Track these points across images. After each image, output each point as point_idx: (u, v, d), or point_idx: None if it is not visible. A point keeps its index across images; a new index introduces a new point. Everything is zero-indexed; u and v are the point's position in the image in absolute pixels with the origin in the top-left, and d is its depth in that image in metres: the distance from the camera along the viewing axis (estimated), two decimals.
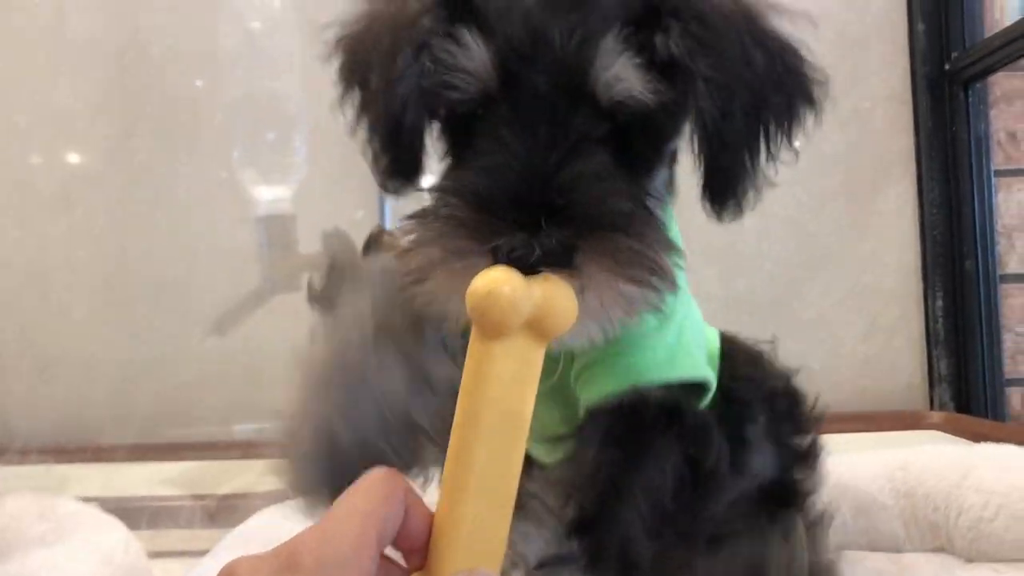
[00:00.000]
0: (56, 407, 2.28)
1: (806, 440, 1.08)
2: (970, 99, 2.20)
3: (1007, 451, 1.29)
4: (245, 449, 1.93)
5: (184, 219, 2.28)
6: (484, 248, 0.66)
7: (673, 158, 0.88)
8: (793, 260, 2.31)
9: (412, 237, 0.71)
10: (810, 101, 0.85)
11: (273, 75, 1.92)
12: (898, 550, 1.30)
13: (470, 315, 0.65)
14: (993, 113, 2.24)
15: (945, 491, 1.25)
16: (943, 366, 2.23)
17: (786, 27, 0.84)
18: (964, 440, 1.73)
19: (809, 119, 0.86)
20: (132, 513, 1.33)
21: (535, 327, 0.65)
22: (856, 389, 2.31)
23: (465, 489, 0.62)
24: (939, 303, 2.24)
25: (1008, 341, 2.23)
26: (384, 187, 0.86)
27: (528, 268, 0.64)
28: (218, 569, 0.59)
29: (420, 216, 0.72)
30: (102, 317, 2.29)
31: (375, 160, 0.85)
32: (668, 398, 0.83)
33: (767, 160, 0.84)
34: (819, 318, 2.31)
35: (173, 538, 1.44)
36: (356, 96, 0.86)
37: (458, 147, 0.79)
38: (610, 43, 0.73)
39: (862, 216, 2.32)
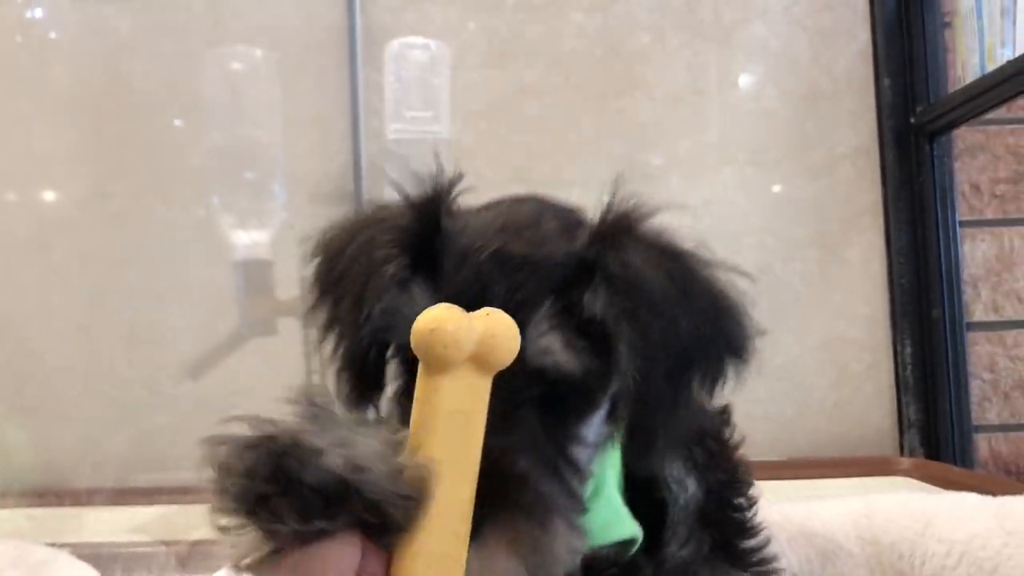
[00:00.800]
0: (29, 451, 2.27)
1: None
2: (935, 151, 2.26)
3: (967, 500, 1.31)
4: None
5: (160, 263, 2.30)
6: None
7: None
8: (763, 306, 2.33)
9: None
10: (738, 357, 0.87)
11: (254, 123, 1.95)
12: None
13: (416, 352, 0.68)
14: (957, 166, 2.30)
15: (910, 539, 1.27)
16: (912, 412, 2.26)
17: (721, 281, 0.88)
18: (933, 486, 1.76)
19: (737, 370, 0.87)
20: (105, 560, 1.33)
21: (479, 361, 0.69)
22: (827, 435, 2.34)
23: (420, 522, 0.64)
24: (908, 350, 2.28)
25: (975, 388, 2.27)
26: (346, 408, 0.87)
27: None
28: None
29: None
30: (76, 361, 2.29)
31: (340, 389, 0.88)
32: (612, 552, 0.87)
33: (687, 413, 0.85)
34: (790, 364, 2.34)
35: None
36: (326, 308, 0.89)
37: (407, 381, 0.84)
38: (543, 314, 0.78)
39: (831, 264, 2.36)
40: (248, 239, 1.94)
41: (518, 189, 2.39)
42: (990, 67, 2.05)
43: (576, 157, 2.36)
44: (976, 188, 2.31)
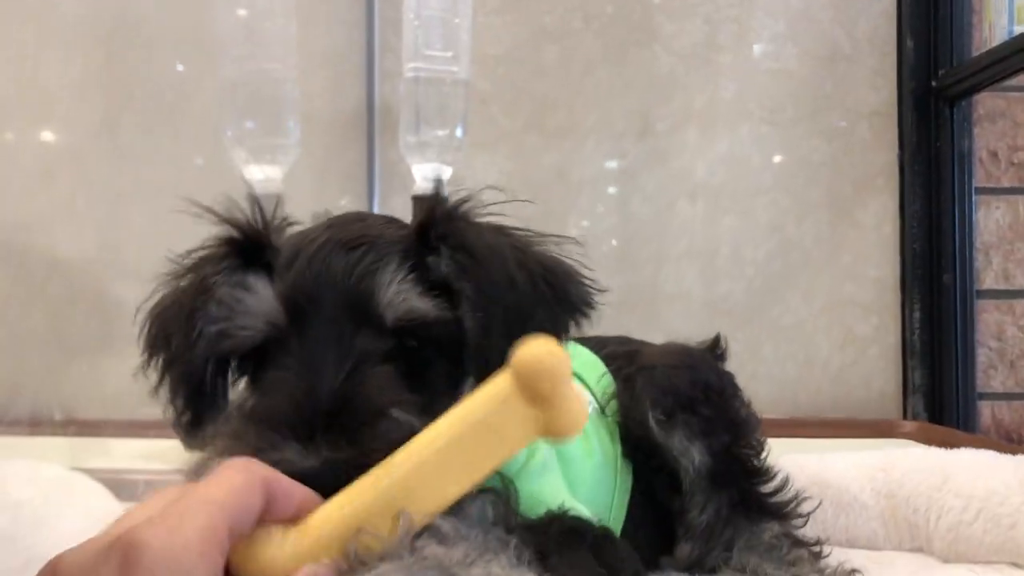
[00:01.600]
0: (27, 382, 2.26)
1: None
2: (955, 116, 2.24)
3: (983, 457, 1.32)
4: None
5: (168, 198, 2.26)
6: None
7: None
8: (774, 266, 2.34)
9: (203, 454, 0.76)
10: (576, 311, 0.92)
11: (268, 57, 1.91)
12: (876, 548, 1.33)
13: (519, 376, 0.68)
14: (976, 131, 2.28)
15: (926, 494, 1.27)
16: (917, 377, 2.26)
17: (553, 251, 0.94)
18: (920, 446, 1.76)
19: (580, 322, 0.93)
20: (123, 485, 1.32)
21: (545, 421, 0.69)
22: (830, 397, 2.34)
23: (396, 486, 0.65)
24: (916, 315, 2.27)
25: (981, 355, 2.27)
26: (187, 442, 0.89)
27: (305, 479, 0.67)
28: None
29: (209, 437, 0.78)
30: (82, 294, 2.27)
31: (178, 417, 0.89)
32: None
33: None
34: (797, 325, 2.34)
35: None
36: (158, 361, 0.91)
37: (253, 386, 0.85)
38: (389, 272, 0.82)
39: (843, 226, 2.35)
40: (261, 174, 1.90)
41: (532, 138, 2.39)
42: (1020, 29, 2.02)
43: (592, 107, 2.33)
44: (994, 155, 2.29)
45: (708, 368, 1.15)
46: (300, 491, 0.64)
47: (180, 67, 2.28)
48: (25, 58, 2.30)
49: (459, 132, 1.93)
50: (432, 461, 0.66)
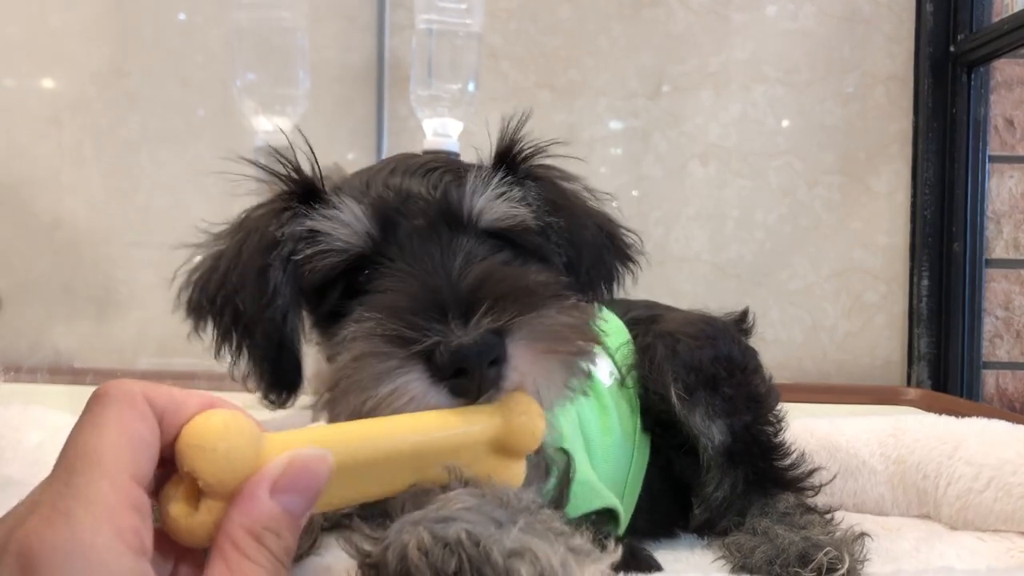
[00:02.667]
0: (28, 332, 2.25)
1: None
2: (972, 83, 2.21)
3: (996, 426, 1.31)
4: (223, 382, 1.91)
5: (175, 146, 2.25)
6: (417, 354, 0.70)
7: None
8: (784, 230, 2.33)
9: (348, 354, 0.74)
10: (629, 261, 0.98)
11: (279, 4, 1.88)
12: (883, 513, 1.33)
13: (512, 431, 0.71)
14: (992, 99, 2.26)
15: (936, 461, 1.27)
16: (923, 345, 2.26)
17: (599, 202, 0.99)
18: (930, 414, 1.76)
19: (631, 272, 0.99)
20: None
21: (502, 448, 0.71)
22: (835, 362, 2.34)
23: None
24: (924, 283, 2.26)
25: (988, 325, 2.27)
26: (268, 400, 0.90)
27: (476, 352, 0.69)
28: None
29: (342, 341, 0.77)
30: (85, 241, 2.25)
31: (258, 379, 0.89)
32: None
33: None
34: (805, 290, 2.33)
35: None
36: (213, 326, 0.90)
37: (348, 313, 0.82)
38: (472, 182, 0.84)
39: (855, 192, 2.33)
40: (270, 125, 1.88)
41: (544, 95, 2.36)
42: None
43: (605, 65, 2.30)
44: (1010, 123, 2.26)
45: (731, 342, 1.15)
46: (187, 397, 0.59)
47: (182, 16, 2.24)
48: (32, 1, 2.26)
49: (471, 86, 1.90)
50: (406, 454, 0.66)
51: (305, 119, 1.96)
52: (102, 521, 0.48)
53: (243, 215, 0.92)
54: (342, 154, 2.26)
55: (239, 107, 1.90)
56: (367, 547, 0.60)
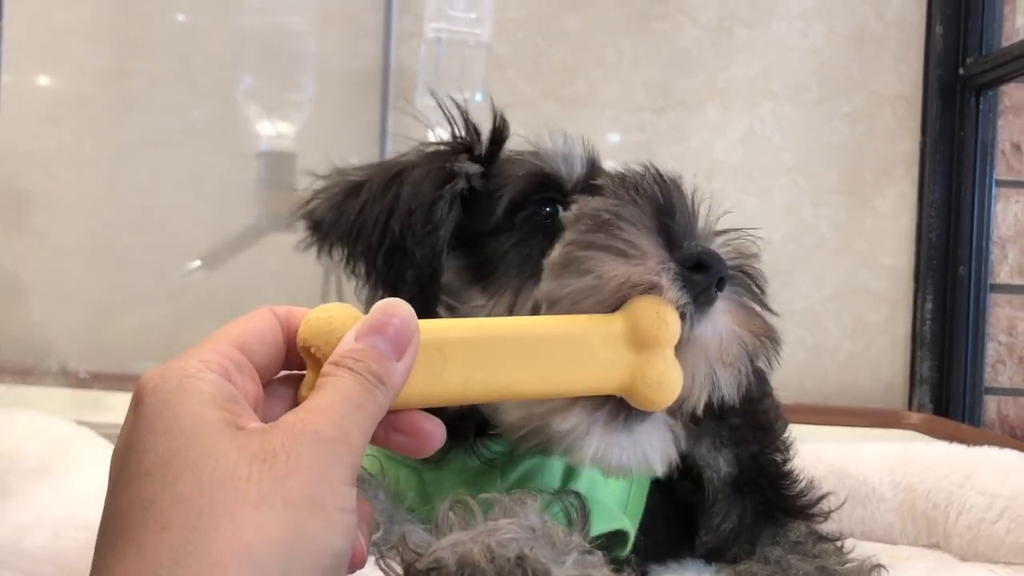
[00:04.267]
0: (26, 331, 2.22)
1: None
2: (981, 106, 2.20)
3: (1009, 456, 1.30)
4: None
5: (177, 149, 2.23)
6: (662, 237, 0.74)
7: None
8: (788, 249, 2.31)
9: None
10: None
11: (286, 9, 1.87)
12: (891, 542, 1.31)
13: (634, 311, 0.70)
14: (1000, 123, 2.25)
15: (947, 490, 1.25)
16: (926, 368, 2.24)
17: None
18: (947, 442, 1.75)
19: None
20: None
21: (636, 376, 0.69)
22: (836, 384, 2.32)
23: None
24: (928, 306, 2.25)
25: (991, 350, 2.25)
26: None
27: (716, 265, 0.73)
28: None
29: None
30: (83, 242, 2.23)
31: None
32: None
33: None
34: (808, 310, 2.31)
35: None
36: (345, 247, 0.90)
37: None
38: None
39: (860, 212, 2.32)
40: (273, 130, 1.86)
41: (550, 107, 2.33)
42: None
43: (612, 78, 2.28)
44: (1017, 148, 2.25)
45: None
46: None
47: (181, 18, 2.22)
48: (33, 0, 2.24)
49: (479, 96, 1.89)
50: (529, 340, 0.66)
51: (309, 125, 1.95)
52: (194, 359, 0.54)
53: (401, 156, 0.93)
54: (345, 160, 2.24)
55: (243, 111, 1.89)
56: (415, 555, 0.60)
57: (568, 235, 0.77)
